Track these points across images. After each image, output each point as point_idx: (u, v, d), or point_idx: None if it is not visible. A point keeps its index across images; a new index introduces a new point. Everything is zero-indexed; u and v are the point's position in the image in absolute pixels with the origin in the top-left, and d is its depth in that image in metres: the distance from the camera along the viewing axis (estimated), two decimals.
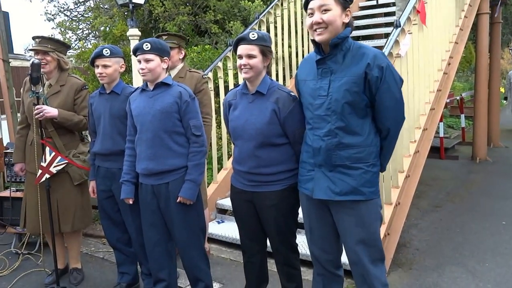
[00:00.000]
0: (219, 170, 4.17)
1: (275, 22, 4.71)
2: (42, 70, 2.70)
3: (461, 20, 5.02)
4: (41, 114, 2.67)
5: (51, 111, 2.70)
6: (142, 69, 2.25)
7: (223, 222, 3.90)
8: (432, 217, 4.42)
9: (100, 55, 2.55)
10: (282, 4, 4.77)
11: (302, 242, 2.76)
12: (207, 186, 3.87)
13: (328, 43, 1.75)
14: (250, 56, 1.97)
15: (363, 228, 1.82)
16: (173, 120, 2.24)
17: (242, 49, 1.99)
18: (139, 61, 2.27)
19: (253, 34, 1.98)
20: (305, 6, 1.79)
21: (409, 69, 3.45)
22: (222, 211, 4.01)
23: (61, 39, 6.59)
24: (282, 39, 4.75)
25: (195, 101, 2.34)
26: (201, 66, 5.00)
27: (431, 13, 3.97)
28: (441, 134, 7.41)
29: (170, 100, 2.25)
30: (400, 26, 3.26)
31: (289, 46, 4.86)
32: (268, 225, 2.12)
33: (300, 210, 2.09)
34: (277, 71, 4.73)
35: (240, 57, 2.00)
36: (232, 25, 5.56)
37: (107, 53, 2.55)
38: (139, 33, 4.01)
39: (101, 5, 7.10)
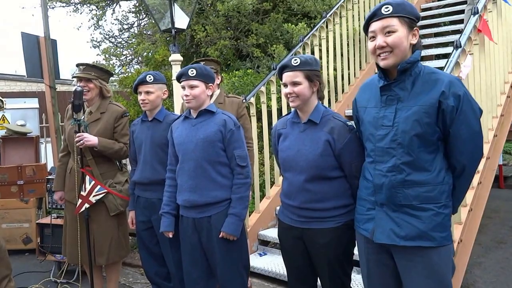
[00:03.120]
0: (261, 198, 4.02)
1: (320, 45, 4.62)
2: (84, 97, 2.70)
3: None
4: (81, 142, 2.64)
5: (92, 139, 2.67)
6: (187, 95, 2.20)
7: (265, 254, 3.72)
8: (496, 255, 4.02)
9: (143, 82, 2.52)
10: (327, 26, 4.68)
11: (357, 283, 2.50)
12: (249, 216, 3.75)
13: (395, 67, 1.62)
14: (294, 84, 1.88)
15: (433, 280, 1.61)
16: (217, 149, 2.18)
17: (286, 76, 1.91)
18: (184, 87, 2.23)
19: (295, 60, 1.89)
20: (365, 28, 1.68)
21: (470, 93, 3.17)
22: (264, 242, 3.83)
23: (105, 65, 6.79)
24: (327, 62, 4.65)
25: (240, 130, 2.26)
26: (242, 91, 4.94)
27: (492, 31, 3.71)
28: (500, 162, 6.90)
29: (214, 129, 2.19)
30: (460, 47, 3.06)
31: (335, 69, 4.75)
32: (319, 265, 1.97)
33: (356, 250, 1.92)
34: (322, 89, 4.54)
35: (285, 85, 1.91)
36: (274, 48, 5.51)
37: (151, 79, 2.52)
38: (181, 58, 4.01)
39: (144, 31, 7.25)
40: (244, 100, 3.01)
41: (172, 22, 3.95)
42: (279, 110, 4.28)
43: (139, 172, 2.58)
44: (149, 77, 2.51)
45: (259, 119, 4.09)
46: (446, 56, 6.00)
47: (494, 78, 3.79)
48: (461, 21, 5.78)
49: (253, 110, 3.78)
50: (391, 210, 1.65)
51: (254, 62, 6.12)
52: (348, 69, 4.90)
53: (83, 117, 2.69)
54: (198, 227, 2.23)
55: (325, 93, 4.47)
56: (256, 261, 3.56)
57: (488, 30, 3.49)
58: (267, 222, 3.89)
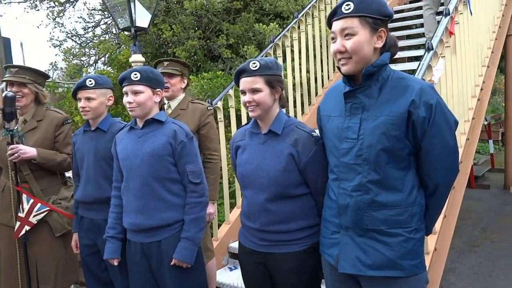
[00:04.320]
0: (231, 207, 3.84)
1: (292, 46, 4.46)
2: (17, 103, 2.42)
3: (492, 42, 4.69)
4: (16, 155, 2.35)
5: (29, 150, 2.38)
6: (130, 102, 1.98)
7: (235, 268, 3.49)
8: (470, 260, 3.96)
9: (82, 86, 2.26)
10: (299, 27, 4.52)
11: None
12: (218, 227, 3.55)
13: (360, 72, 1.47)
14: (254, 91, 1.71)
15: None
16: (166, 164, 1.96)
17: (244, 83, 1.73)
18: (126, 93, 2.01)
19: (254, 63, 1.72)
20: (329, 25, 1.51)
21: (442, 97, 3.08)
22: (235, 255, 3.59)
23: (66, 66, 6.42)
24: (300, 64, 4.51)
25: (193, 141, 2.05)
26: (212, 94, 4.78)
27: (463, 34, 3.66)
28: None
29: (162, 141, 1.97)
30: (432, 49, 2.93)
31: (307, 71, 4.61)
32: None
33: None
34: (294, 97, 4.48)
35: (243, 92, 1.74)
36: (246, 49, 5.35)
37: (91, 83, 2.26)
38: (143, 59, 3.77)
39: (109, 30, 6.95)
40: (209, 107, 2.79)
41: (132, 20, 3.68)
42: (246, 123, 4.09)
43: (81, 190, 2.31)
44: (90, 81, 2.24)
45: (230, 124, 3.91)
46: (418, 58, 5.99)
47: (465, 82, 3.72)
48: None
49: (220, 115, 3.59)
50: (357, 235, 1.50)
51: (227, 63, 5.96)
52: (322, 71, 4.78)
53: (16, 126, 2.41)
54: (147, 252, 2.00)
55: (298, 95, 4.44)
56: (226, 276, 3.35)
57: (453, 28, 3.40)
58: (237, 233, 3.66)
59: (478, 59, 4.15)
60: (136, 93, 1.97)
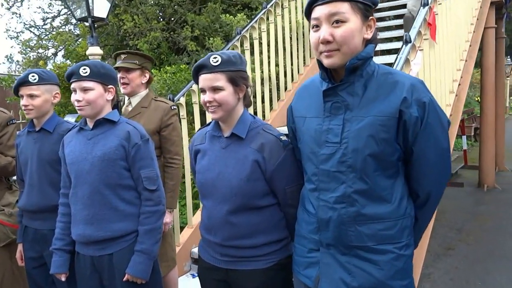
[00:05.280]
0: (194, 209, 3.69)
1: (260, 38, 4.35)
2: None
3: (471, 34, 4.69)
4: None
5: None
6: (78, 100, 1.85)
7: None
8: (446, 264, 3.87)
9: (25, 82, 2.08)
10: (268, 18, 4.40)
11: None
12: (180, 232, 3.39)
13: (342, 66, 1.35)
14: (215, 89, 1.58)
15: None
16: (119, 169, 1.86)
17: (203, 80, 1.59)
18: (74, 90, 1.87)
19: (214, 57, 1.58)
20: (307, 13, 1.37)
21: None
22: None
23: (23, 59, 6.06)
24: (268, 57, 4.40)
25: (149, 144, 1.92)
26: (175, 89, 4.61)
27: (442, 26, 3.58)
28: None
29: (114, 143, 1.87)
30: (410, 42, 2.82)
31: (277, 65, 4.51)
32: None
33: None
34: (263, 92, 4.36)
35: (203, 91, 1.60)
36: (212, 41, 5.20)
37: (35, 79, 2.08)
38: (101, 52, 3.61)
39: (69, 21, 6.64)
40: (173, 107, 2.64)
41: (89, 10, 3.53)
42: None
43: (25, 197, 2.14)
44: (33, 76, 2.08)
45: (193, 121, 3.80)
46: (389, 52, 5.97)
47: (443, 76, 3.63)
48: (397, 17, 5.71)
49: (183, 112, 3.43)
50: (340, 253, 1.37)
51: (192, 56, 5.82)
52: (291, 64, 4.68)
53: None
54: (97, 267, 1.87)
55: (266, 90, 4.34)
56: (188, 284, 3.19)
57: (434, 26, 3.31)
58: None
59: (456, 53, 4.11)
60: (85, 90, 1.86)
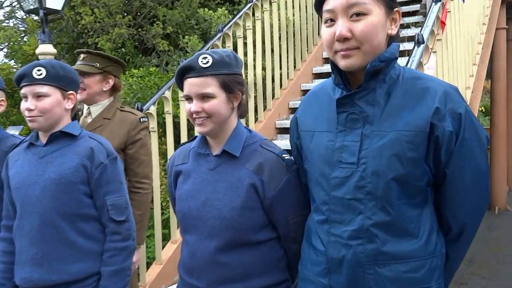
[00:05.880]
0: (164, 241, 3.61)
1: (245, 37, 4.33)
2: None
3: (483, 35, 4.81)
4: None
5: None
6: (30, 109, 1.78)
7: None
8: None
9: None
10: (254, 14, 4.39)
11: None
12: (146, 270, 3.29)
13: (362, 69, 1.30)
14: (204, 97, 1.53)
15: None
16: (78, 195, 1.80)
17: (190, 85, 1.54)
18: (25, 96, 1.80)
19: (204, 57, 1.53)
20: (318, 5, 1.34)
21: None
22: None
23: None
24: (254, 59, 4.38)
25: (117, 164, 1.87)
26: (143, 96, 4.57)
27: (454, 25, 3.66)
28: None
29: (73, 162, 1.81)
30: (423, 43, 2.84)
31: (263, 69, 4.49)
32: None
33: None
34: (246, 100, 4.18)
35: (189, 98, 1.56)
36: (187, 40, 5.17)
37: None
38: (54, 51, 3.64)
39: (14, 14, 6.59)
40: (143, 119, 2.58)
41: (40, 0, 3.51)
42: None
43: None
44: None
45: (165, 133, 3.73)
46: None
47: (457, 83, 3.69)
48: (407, 14, 5.79)
49: (153, 124, 3.35)
50: None
51: (162, 57, 5.84)
52: (280, 68, 4.67)
53: None
54: None
55: (250, 99, 4.28)
56: None
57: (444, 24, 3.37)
58: (172, 276, 3.42)
59: (469, 56, 4.19)
60: (39, 96, 1.79)
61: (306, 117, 1.49)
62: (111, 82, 2.56)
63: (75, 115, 1.96)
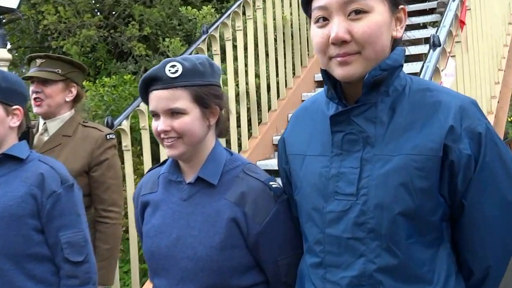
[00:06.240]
0: (143, 277, 3.62)
1: (234, 39, 4.37)
2: None
3: (509, 37, 4.82)
4: None
5: None
6: None
7: None
8: None
9: None
10: (244, 13, 4.43)
11: None
12: None
13: (360, 79, 1.28)
14: (173, 113, 1.53)
15: None
16: (26, 231, 1.80)
17: (155, 99, 1.55)
18: None
19: (173, 66, 1.54)
20: (306, 3, 1.33)
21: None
22: None
23: None
24: (246, 65, 4.40)
25: (72, 192, 1.88)
26: (117, 109, 4.61)
27: (476, 25, 3.68)
28: None
29: (20, 191, 1.81)
30: (439, 45, 2.83)
31: (257, 76, 4.51)
32: None
33: None
34: (238, 113, 4.34)
35: (156, 115, 1.56)
36: (168, 43, 5.21)
37: None
38: (9, 56, 3.67)
39: None
40: (110, 135, 2.60)
41: None
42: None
43: None
44: None
45: (141, 153, 3.78)
46: (407, 59, 6.04)
47: (480, 92, 3.70)
48: (423, 12, 5.89)
49: (127, 142, 3.36)
50: None
51: (140, 63, 5.92)
52: (277, 76, 4.69)
53: None
54: None
55: (243, 109, 4.31)
56: None
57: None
58: None
59: (494, 61, 4.20)
60: None
61: (296, 137, 1.48)
62: (74, 91, 2.58)
63: (25, 134, 1.97)
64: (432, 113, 1.26)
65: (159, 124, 1.52)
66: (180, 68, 1.52)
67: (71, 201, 1.86)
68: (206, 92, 1.55)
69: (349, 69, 1.26)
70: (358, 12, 1.22)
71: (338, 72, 1.27)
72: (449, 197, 1.27)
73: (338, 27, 1.23)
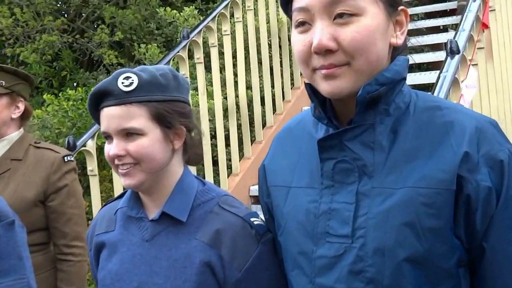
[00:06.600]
0: None
1: (221, 45, 4.44)
2: None
3: None
4: None
5: None
6: None
7: None
8: None
9: None
10: (233, 15, 4.52)
11: None
12: None
13: (352, 96, 1.26)
14: (129, 134, 1.52)
15: None
16: None
17: (107, 118, 1.53)
18: None
19: (127, 77, 1.51)
20: (285, 3, 1.31)
21: None
22: None
23: None
24: (235, 75, 4.46)
25: (13, 231, 1.83)
26: (84, 126, 4.61)
27: (502, 29, 3.74)
28: None
29: None
30: (458, 52, 2.85)
31: (249, 87, 4.57)
32: None
33: None
34: (227, 131, 4.42)
35: (108, 137, 1.55)
36: (145, 50, 5.24)
37: None
38: None
39: None
40: (68, 157, 2.61)
41: None
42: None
43: None
44: None
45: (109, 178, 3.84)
46: (421, 67, 6.05)
47: (509, 106, 3.73)
48: (444, 13, 5.95)
49: (93, 166, 3.43)
50: None
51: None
52: (272, 87, 4.75)
53: None
54: None
55: (233, 126, 4.35)
56: None
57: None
58: None
59: None
60: None
61: (278, 165, 1.47)
62: (22, 106, 2.60)
63: None
64: (443, 136, 1.24)
65: (111, 148, 1.51)
66: (135, 80, 1.50)
67: (12, 241, 1.81)
68: (169, 109, 1.54)
69: (337, 83, 1.23)
70: (345, 15, 1.21)
71: (324, 87, 1.24)
72: (466, 239, 1.24)
73: (321, 33, 1.21)
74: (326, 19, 1.21)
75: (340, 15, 1.20)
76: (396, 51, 1.30)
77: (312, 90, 1.29)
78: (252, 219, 1.54)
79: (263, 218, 1.60)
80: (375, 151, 1.27)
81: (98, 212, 1.78)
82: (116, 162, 1.51)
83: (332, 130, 1.30)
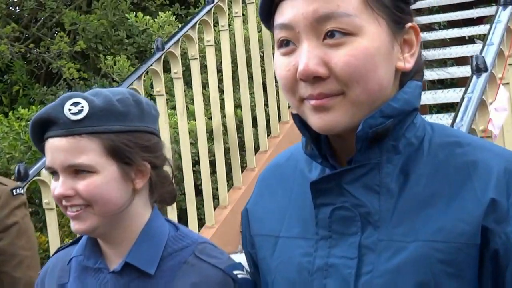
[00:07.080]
0: None
1: (204, 58, 4.48)
2: None
3: None
4: None
5: None
6: None
7: None
8: None
9: None
10: (217, 22, 4.55)
11: None
12: None
13: (351, 130, 1.22)
14: (78, 171, 1.51)
15: None
16: None
17: (52, 151, 1.50)
18: None
19: (75, 103, 1.51)
20: (265, 15, 1.23)
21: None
22: None
23: None
24: (222, 91, 4.52)
25: None
26: (39, 152, 4.50)
27: None
28: None
29: None
30: (486, 70, 2.88)
31: (238, 106, 4.65)
32: None
33: None
34: (213, 157, 4.48)
35: (54, 172, 1.54)
36: (112, 62, 5.28)
37: None
38: None
39: None
40: (18, 190, 2.64)
41: None
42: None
43: None
44: None
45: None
46: (444, 83, 6.05)
47: None
48: (469, 21, 5.98)
49: (49, 198, 3.47)
50: None
51: (74, 89, 5.97)
52: (266, 105, 4.82)
53: None
54: None
55: (219, 153, 4.41)
56: None
57: None
58: None
59: None
60: None
61: (264, 210, 1.45)
62: None
63: None
64: (464, 179, 1.24)
65: (57, 186, 1.49)
66: (86, 106, 1.49)
67: None
68: (128, 142, 1.53)
69: (329, 117, 1.19)
70: (338, 33, 1.16)
71: (314, 121, 1.20)
72: None
73: (307, 56, 1.15)
74: (313, 39, 1.16)
75: (331, 35, 1.15)
76: (406, 75, 1.28)
77: (301, 122, 1.25)
78: (235, 272, 1.53)
79: (248, 269, 1.59)
80: (381, 196, 1.26)
81: (49, 259, 1.77)
82: (64, 203, 1.49)
83: (328, 170, 1.29)
